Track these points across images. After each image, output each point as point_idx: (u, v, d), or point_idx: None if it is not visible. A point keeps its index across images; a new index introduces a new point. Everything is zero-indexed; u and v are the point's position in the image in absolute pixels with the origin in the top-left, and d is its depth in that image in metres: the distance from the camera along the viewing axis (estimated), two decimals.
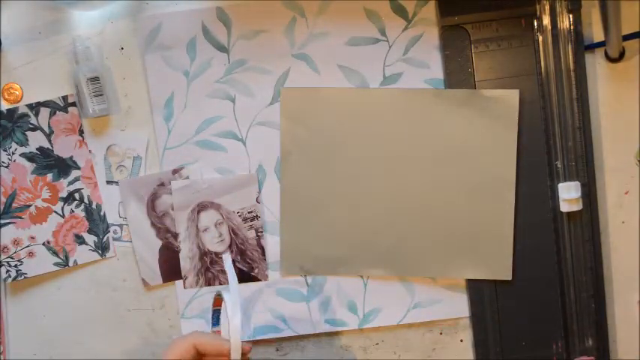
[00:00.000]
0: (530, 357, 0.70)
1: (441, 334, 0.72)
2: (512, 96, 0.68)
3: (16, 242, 0.71)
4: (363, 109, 0.69)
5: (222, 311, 0.68)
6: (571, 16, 0.68)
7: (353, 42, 0.70)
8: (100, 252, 0.71)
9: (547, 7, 0.68)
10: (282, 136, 0.70)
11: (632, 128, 0.70)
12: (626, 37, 0.67)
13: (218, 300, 0.67)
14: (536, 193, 0.69)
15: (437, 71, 0.70)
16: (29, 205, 0.70)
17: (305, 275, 0.71)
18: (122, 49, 0.70)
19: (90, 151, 0.71)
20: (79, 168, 0.71)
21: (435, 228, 0.69)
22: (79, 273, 0.72)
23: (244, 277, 0.71)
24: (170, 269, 0.71)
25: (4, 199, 0.70)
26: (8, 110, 0.70)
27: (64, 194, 0.71)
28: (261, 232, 0.71)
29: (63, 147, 0.71)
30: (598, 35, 0.69)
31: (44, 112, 0.70)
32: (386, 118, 0.69)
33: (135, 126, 0.71)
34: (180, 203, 0.70)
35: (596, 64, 0.70)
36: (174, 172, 0.70)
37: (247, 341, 0.66)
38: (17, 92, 0.70)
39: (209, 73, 0.70)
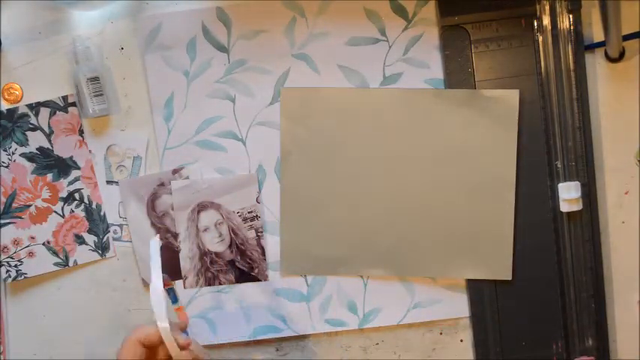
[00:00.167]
0: (530, 357, 0.70)
1: (441, 334, 0.72)
2: (512, 96, 0.68)
3: (16, 242, 0.71)
4: (363, 109, 0.69)
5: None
6: (571, 16, 0.68)
7: (353, 42, 0.70)
8: (100, 252, 0.71)
9: (547, 7, 0.68)
10: (282, 136, 0.70)
11: (632, 128, 0.70)
12: (626, 37, 0.67)
13: (167, 282, 0.66)
14: (536, 193, 0.69)
15: (437, 71, 0.70)
16: (29, 205, 0.70)
17: (305, 275, 0.71)
18: (122, 49, 0.70)
19: (90, 151, 0.71)
20: (79, 168, 0.71)
21: (434, 228, 0.69)
22: (79, 273, 0.72)
23: (244, 277, 0.71)
24: (170, 269, 0.71)
25: (4, 199, 0.70)
26: (8, 110, 0.70)
27: (64, 194, 0.71)
28: (261, 232, 0.71)
29: (63, 147, 0.71)
30: (598, 35, 0.69)
31: (44, 112, 0.70)
32: (386, 118, 0.69)
33: (135, 126, 0.71)
34: (181, 203, 0.70)
35: (596, 64, 0.70)
36: (174, 172, 0.70)
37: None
38: (17, 92, 0.70)
39: (209, 73, 0.70)
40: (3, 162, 0.70)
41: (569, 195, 0.68)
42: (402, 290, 0.71)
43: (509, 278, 0.69)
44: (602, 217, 0.70)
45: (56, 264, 0.71)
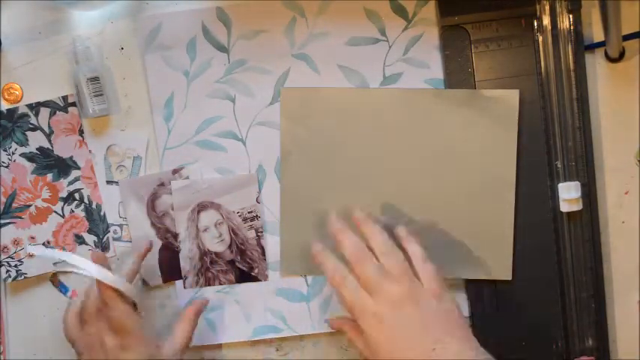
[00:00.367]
0: (530, 357, 0.70)
1: None
2: (513, 96, 0.68)
3: (16, 242, 0.71)
4: (364, 108, 0.69)
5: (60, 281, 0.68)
6: (571, 16, 0.68)
7: (353, 42, 0.70)
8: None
9: (547, 7, 0.68)
10: (282, 136, 0.70)
11: (632, 128, 0.70)
12: (626, 37, 0.67)
13: (55, 278, 0.67)
14: (536, 193, 0.69)
15: (437, 71, 0.70)
16: (29, 205, 0.70)
17: (305, 275, 0.71)
18: (122, 49, 0.70)
19: (90, 151, 0.71)
20: (79, 168, 0.71)
21: (434, 228, 0.69)
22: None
23: (244, 277, 0.71)
24: (170, 269, 0.71)
25: (4, 199, 0.70)
26: (8, 110, 0.70)
27: (64, 194, 0.71)
28: (261, 232, 0.71)
29: (63, 147, 0.71)
30: (598, 35, 0.69)
31: (44, 112, 0.70)
32: (386, 117, 0.69)
33: (135, 126, 0.71)
34: (180, 203, 0.70)
35: (596, 64, 0.70)
36: (174, 172, 0.70)
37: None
38: (17, 92, 0.70)
39: (209, 73, 0.70)
40: (3, 162, 0.70)
41: (569, 195, 0.68)
42: None
43: (509, 278, 0.69)
44: (602, 217, 0.70)
45: (56, 264, 0.71)
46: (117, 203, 0.71)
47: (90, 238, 0.71)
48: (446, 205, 0.69)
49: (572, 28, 0.68)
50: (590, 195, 0.69)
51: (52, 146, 0.70)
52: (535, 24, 0.69)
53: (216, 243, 0.71)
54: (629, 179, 0.70)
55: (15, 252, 0.71)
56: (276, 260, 0.71)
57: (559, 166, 0.69)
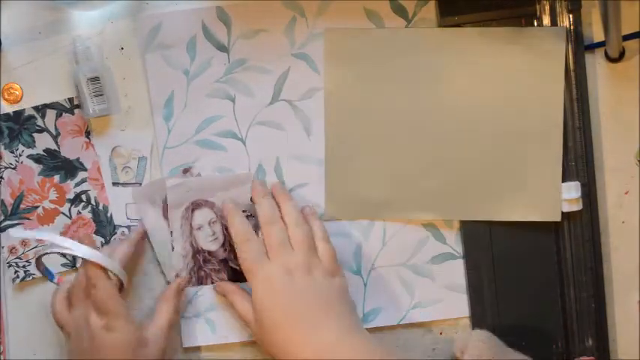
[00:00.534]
0: (530, 357, 0.70)
1: (441, 334, 0.71)
2: (559, 33, 0.67)
3: (24, 243, 0.71)
4: (411, 50, 0.68)
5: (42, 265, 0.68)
6: (571, 16, 0.68)
7: None
8: None
9: (547, 7, 0.68)
10: (325, 78, 0.69)
11: (632, 128, 0.70)
12: (626, 37, 0.67)
13: (38, 263, 0.67)
14: None
15: None
16: (37, 207, 0.71)
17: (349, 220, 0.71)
18: (122, 49, 0.70)
19: (97, 154, 0.71)
20: (85, 169, 0.71)
21: (483, 170, 0.68)
22: None
23: (237, 276, 0.71)
24: None
25: (11, 201, 0.70)
26: (15, 112, 0.70)
27: (71, 196, 0.71)
28: (256, 231, 0.70)
29: (69, 148, 0.71)
30: (598, 35, 0.69)
31: (50, 113, 0.70)
32: (432, 58, 0.68)
33: (135, 126, 0.71)
34: (174, 201, 0.70)
35: (596, 64, 0.70)
36: (185, 171, 0.70)
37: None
38: (17, 92, 0.70)
39: (209, 72, 0.70)
40: (10, 164, 0.70)
41: (569, 195, 0.68)
42: (401, 290, 0.71)
43: (559, 219, 0.68)
44: (602, 217, 0.70)
45: (64, 265, 0.71)
46: (124, 205, 0.71)
47: (97, 240, 0.71)
48: (494, 146, 0.68)
49: (572, 28, 0.68)
50: (590, 195, 0.69)
51: (58, 148, 0.70)
52: (535, 24, 0.69)
53: (209, 241, 0.71)
54: (629, 179, 0.70)
55: (23, 253, 0.71)
56: None
57: None
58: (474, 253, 0.70)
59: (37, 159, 0.71)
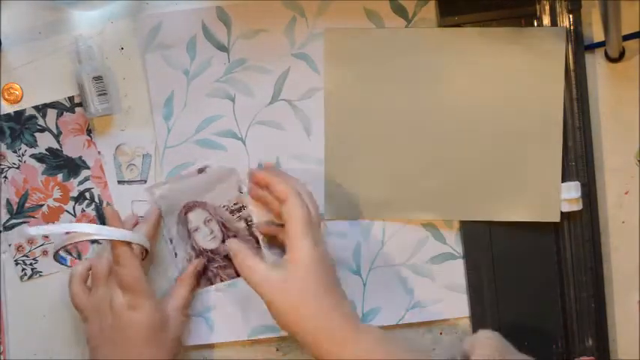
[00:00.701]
0: (530, 357, 0.70)
1: (441, 334, 0.71)
2: (559, 33, 0.67)
3: (30, 241, 0.71)
4: (411, 50, 0.68)
5: (59, 252, 0.68)
6: (571, 16, 0.68)
7: None
8: None
9: (547, 7, 0.68)
10: (325, 77, 0.69)
11: (632, 128, 0.70)
12: (626, 37, 0.67)
13: (56, 255, 0.66)
14: None
15: None
16: (41, 205, 0.71)
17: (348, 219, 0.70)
18: (122, 49, 0.70)
19: (99, 152, 0.71)
20: (88, 168, 0.71)
21: (482, 170, 0.69)
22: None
23: None
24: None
25: (16, 199, 0.71)
26: (16, 112, 0.70)
27: (74, 194, 0.71)
28: (251, 221, 0.70)
29: (71, 147, 0.71)
30: (598, 35, 0.69)
31: (51, 113, 0.70)
32: (432, 58, 0.68)
33: (135, 126, 0.71)
34: (167, 208, 0.70)
35: (596, 64, 0.70)
36: (199, 171, 0.70)
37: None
38: (17, 92, 0.70)
39: (209, 72, 0.70)
40: (14, 163, 0.71)
41: (569, 195, 0.68)
42: (401, 290, 0.71)
43: (558, 220, 0.68)
44: (602, 217, 0.70)
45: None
46: (128, 202, 0.71)
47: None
48: (493, 147, 0.68)
49: (572, 28, 0.68)
50: (590, 195, 0.69)
51: (60, 147, 0.71)
52: (535, 24, 0.69)
53: (208, 240, 0.71)
54: (629, 179, 0.70)
55: (30, 250, 0.71)
56: None
57: None
58: (474, 253, 0.70)
59: (39, 158, 0.71)
